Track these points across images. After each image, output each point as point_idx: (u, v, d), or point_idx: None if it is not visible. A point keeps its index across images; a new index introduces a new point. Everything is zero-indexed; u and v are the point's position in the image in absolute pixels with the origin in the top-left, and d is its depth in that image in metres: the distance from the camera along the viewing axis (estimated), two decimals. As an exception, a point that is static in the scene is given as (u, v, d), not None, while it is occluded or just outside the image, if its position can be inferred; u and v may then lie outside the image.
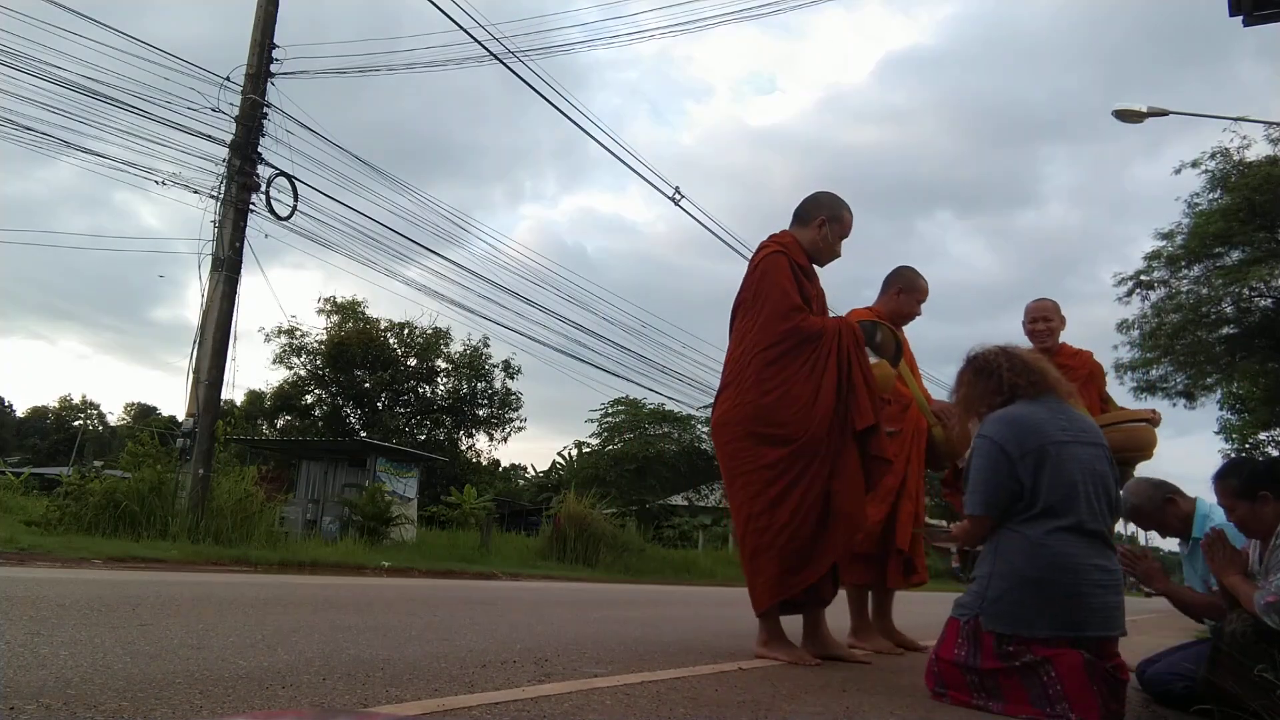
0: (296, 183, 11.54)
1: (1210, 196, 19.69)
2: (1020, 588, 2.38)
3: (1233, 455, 24.33)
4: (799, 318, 3.27)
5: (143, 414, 59.33)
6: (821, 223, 3.51)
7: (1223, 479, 2.82)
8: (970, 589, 2.53)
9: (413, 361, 33.11)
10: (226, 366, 10.77)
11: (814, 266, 3.56)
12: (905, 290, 4.33)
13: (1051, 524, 2.42)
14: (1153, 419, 4.35)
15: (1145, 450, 4.25)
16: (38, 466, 31.88)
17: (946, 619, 2.59)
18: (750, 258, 3.55)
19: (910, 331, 4.51)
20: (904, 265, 4.49)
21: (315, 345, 31.96)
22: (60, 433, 61.82)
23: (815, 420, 3.17)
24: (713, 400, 3.59)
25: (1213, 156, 19.37)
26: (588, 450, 38.53)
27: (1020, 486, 2.48)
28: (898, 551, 4.01)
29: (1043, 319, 4.49)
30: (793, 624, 3.30)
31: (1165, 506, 3.19)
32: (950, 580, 20.36)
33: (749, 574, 3.20)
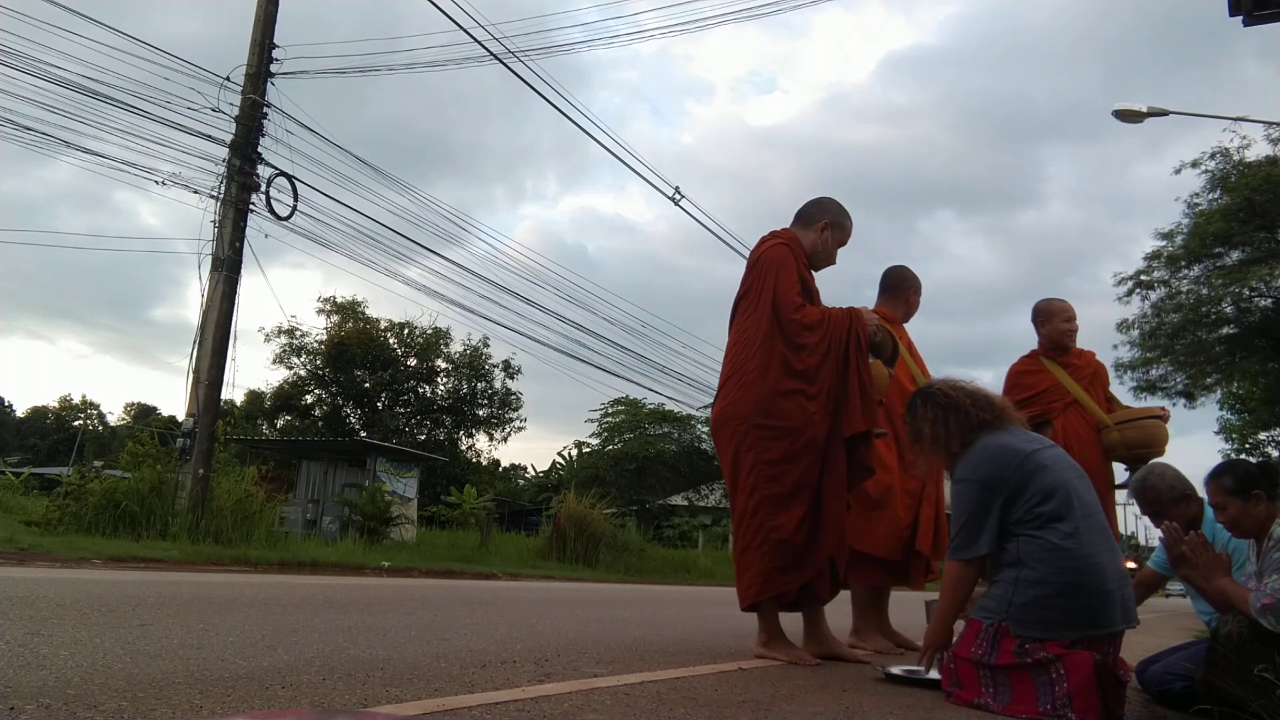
0: (296, 183, 11.55)
1: (1210, 196, 19.73)
2: (1050, 593, 2.39)
3: (1233, 455, 24.38)
4: (802, 312, 3.28)
5: (143, 414, 59.37)
6: (825, 227, 3.51)
7: (1217, 477, 2.85)
8: (992, 592, 2.53)
9: (413, 361, 33.10)
10: (226, 366, 10.78)
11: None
12: (918, 290, 4.47)
13: (1067, 526, 2.43)
14: (1163, 415, 4.39)
15: (1159, 446, 4.29)
16: (38, 466, 31.87)
17: (967, 620, 2.60)
18: (753, 250, 3.54)
19: (913, 331, 4.54)
20: (901, 266, 4.52)
21: (315, 345, 31.97)
22: (60, 433, 61.83)
23: (817, 417, 3.18)
24: (714, 397, 3.59)
25: (1213, 156, 19.41)
26: (588, 450, 38.56)
27: (1017, 506, 2.49)
28: (918, 554, 4.02)
29: (1074, 319, 4.54)
30: (793, 624, 3.30)
31: (1180, 500, 3.20)
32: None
33: (738, 569, 3.21)
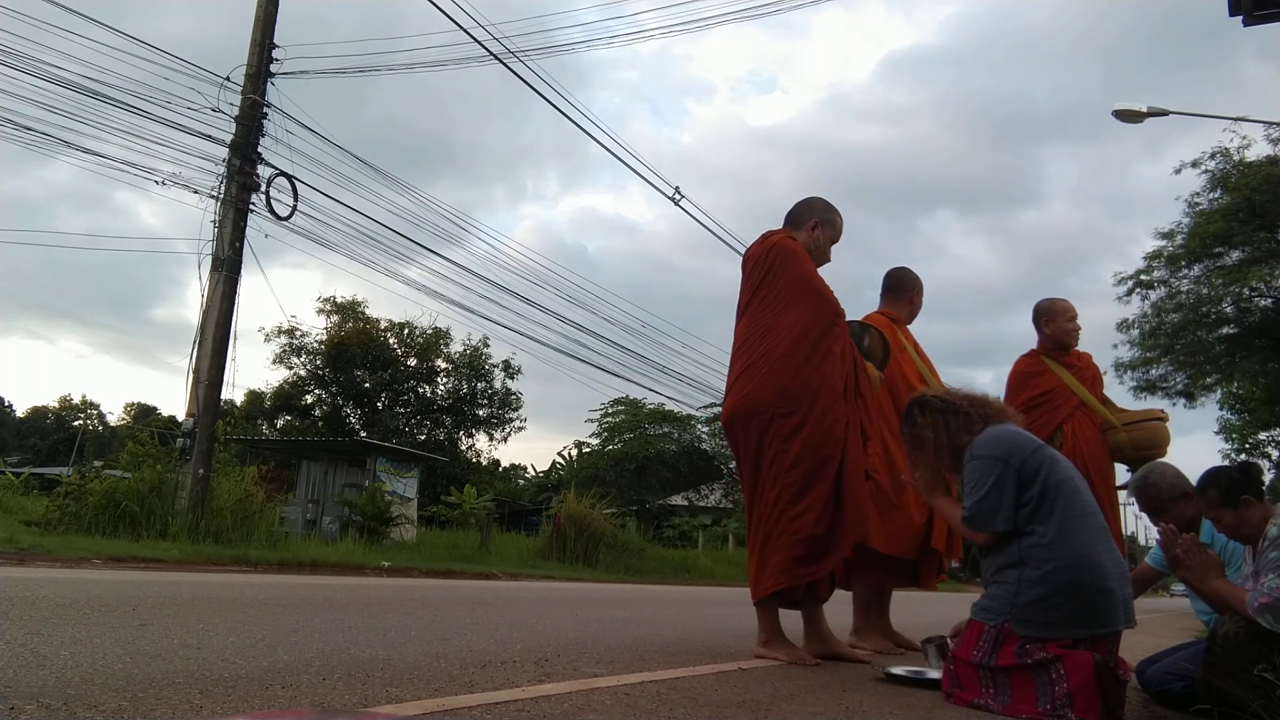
0: (296, 183, 11.56)
1: (1210, 196, 19.74)
2: (1051, 592, 2.39)
3: (1233, 455, 24.37)
4: (831, 297, 3.34)
5: (143, 414, 59.36)
6: (814, 226, 3.53)
7: (1203, 492, 2.86)
8: (993, 593, 2.52)
9: (413, 361, 33.10)
10: (226, 366, 10.79)
11: None
12: (920, 291, 4.50)
13: (1067, 524, 2.45)
14: (1164, 417, 4.40)
15: (1163, 447, 4.31)
16: (38, 466, 31.86)
17: (968, 620, 2.60)
18: (751, 248, 3.54)
19: (913, 331, 4.53)
20: (903, 268, 4.53)
21: (315, 345, 31.97)
22: (60, 433, 61.84)
23: (839, 408, 3.20)
24: (719, 397, 3.62)
25: (1213, 156, 19.42)
26: (588, 450, 38.54)
27: (1028, 494, 2.51)
28: (931, 552, 4.02)
29: (1077, 318, 4.54)
30: (793, 624, 3.30)
31: (1179, 499, 3.20)
32: (950, 580, 20.36)
33: (756, 560, 3.18)
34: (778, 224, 3.63)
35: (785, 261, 3.35)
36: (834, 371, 3.22)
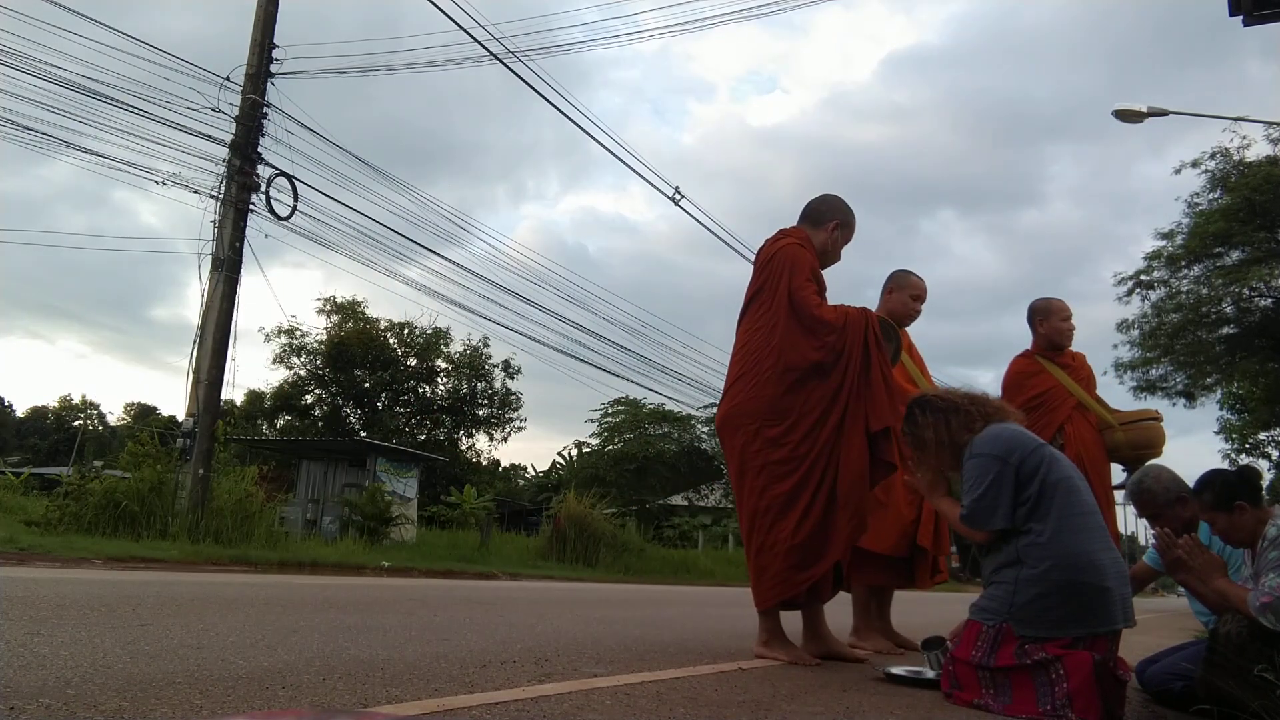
0: (296, 183, 11.55)
1: (1210, 196, 19.72)
2: (1049, 591, 2.40)
3: (1233, 455, 24.35)
4: (822, 310, 3.25)
5: (143, 414, 59.31)
6: (834, 227, 3.51)
7: (1198, 494, 2.87)
8: (991, 593, 2.53)
9: (413, 361, 33.08)
10: (226, 366, 10.79)
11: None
12: (896, 288, 4.36)
13: (1064, 522, 2.45)
14: (1158, 417, 4.41)
15: (1158, 447, 4.31)
16: (38, 466, 31.85)
17: (966, 621, 2.60)
18: (762, 248, 3.51)
19: (913, 331, 4.53)
20: (898, 269, 4.53)
21: (315, 345, 31.96)
22: (60, 433, 61.80)
23: (831, 416, 3.17)
24: (719, 397, 3.59)
25: (1213, 156, 19.40)
26: (588, 450, 38.53)
27: (1027, 492, 2.51)
28: (922, 550, 4.02)
29: (1071, 318, 4.53)
30: (793, 624, 3.31)
31: (1175, 503, 3.20)
32: (951, 580, 20.36)
33: (754, 571, 3.19)
34: (777, 224, 3.61)
35: (787, 273, 3.30)
36: (824, 384, 3.18)
